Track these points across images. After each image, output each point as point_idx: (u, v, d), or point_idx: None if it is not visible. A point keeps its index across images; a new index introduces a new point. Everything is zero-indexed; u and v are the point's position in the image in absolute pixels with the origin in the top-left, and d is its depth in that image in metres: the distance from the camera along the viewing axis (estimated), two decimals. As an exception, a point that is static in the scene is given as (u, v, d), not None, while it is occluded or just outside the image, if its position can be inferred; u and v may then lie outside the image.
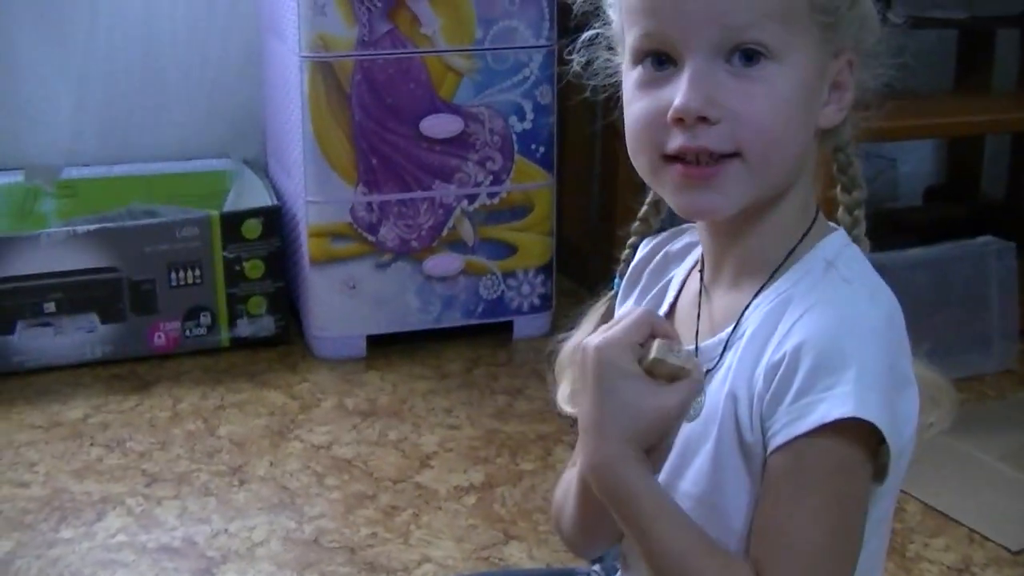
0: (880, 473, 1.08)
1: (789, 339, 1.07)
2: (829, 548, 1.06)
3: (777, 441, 1.06)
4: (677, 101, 1.06)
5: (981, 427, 2.66)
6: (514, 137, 3.07)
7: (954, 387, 1.19)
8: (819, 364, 1.04)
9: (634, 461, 1.09)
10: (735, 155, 1.07)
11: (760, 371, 1.08)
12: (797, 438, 1.05)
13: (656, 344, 1.10)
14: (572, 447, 2.48)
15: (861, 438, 1.05)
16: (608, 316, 1.32)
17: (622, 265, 1.33)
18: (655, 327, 1.12)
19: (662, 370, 1.10)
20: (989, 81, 3.60)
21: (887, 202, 3.94)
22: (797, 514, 1.05)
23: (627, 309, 1.28)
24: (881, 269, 1.15)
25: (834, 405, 1.03)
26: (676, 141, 1.07)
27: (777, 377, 1.06)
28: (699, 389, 1.11)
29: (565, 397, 1.29)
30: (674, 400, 1.09)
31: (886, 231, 3.08)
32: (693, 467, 1.13)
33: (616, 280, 1.33)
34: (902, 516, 2.34)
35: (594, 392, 1.10)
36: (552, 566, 2.16)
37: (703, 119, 1.06)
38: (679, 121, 1.06)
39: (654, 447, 1.10)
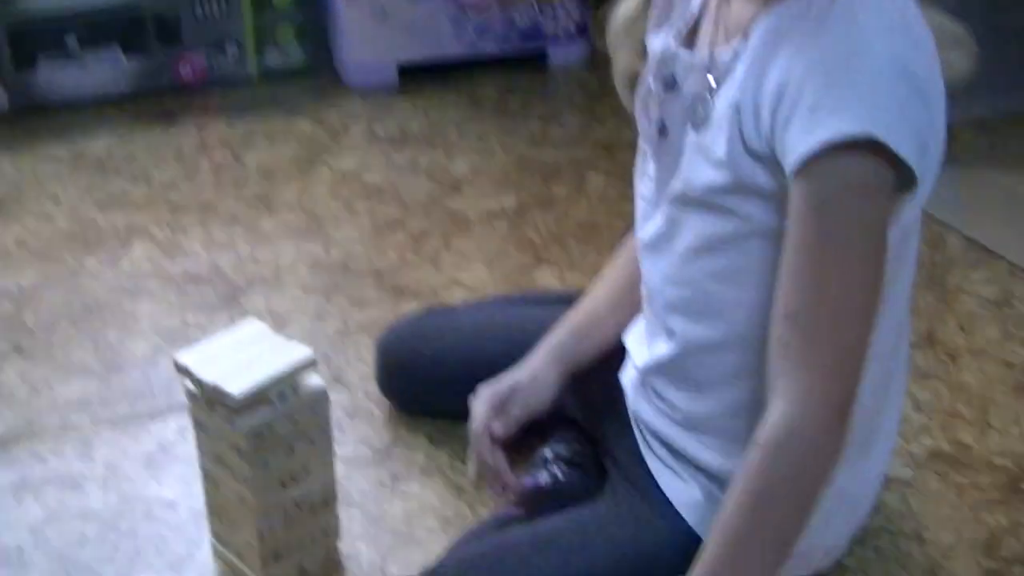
0: (906, 182, 1.09)
1: (800, 55, 1.07)
2: (859, 280, 1.10)
3: (792, 161, 1.07)
4: None
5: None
6: None
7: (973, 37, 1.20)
8: (827, 81, 1.05)
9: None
10: None
11: (770, 85, 1.09)
12: (813, 160, 1.06)
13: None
14: (606, 174, 2.43)
15: (876, 151, 1.06)
16: None
17: None
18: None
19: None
20: None
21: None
22: (827, 252, 1.09)
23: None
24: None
25: (843, 120, 1.04)
26: None
27: (788, 93, 1.07)
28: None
29: None
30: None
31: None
32: (705, 175, 1.17)
33: None
34: (943, 248, 2.27)
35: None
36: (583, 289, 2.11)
37: None
38: None
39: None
